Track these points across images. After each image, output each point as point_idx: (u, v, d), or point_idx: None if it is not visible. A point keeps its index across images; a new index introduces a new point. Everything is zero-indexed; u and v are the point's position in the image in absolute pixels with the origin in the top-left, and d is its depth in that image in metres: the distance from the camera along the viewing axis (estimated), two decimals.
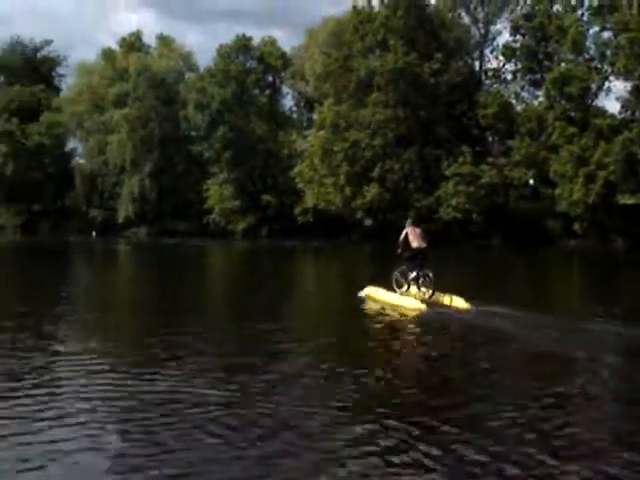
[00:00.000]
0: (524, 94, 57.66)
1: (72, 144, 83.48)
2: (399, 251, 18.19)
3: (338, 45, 59.23)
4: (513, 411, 8.07)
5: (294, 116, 73.20)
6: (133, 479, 6.16)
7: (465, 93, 57.07)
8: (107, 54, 76.49)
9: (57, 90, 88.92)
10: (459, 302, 16.43)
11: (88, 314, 16.72)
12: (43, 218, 78.78)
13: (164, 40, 76.51)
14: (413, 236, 17.88)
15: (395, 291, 18.00)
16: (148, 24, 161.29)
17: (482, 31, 60.54)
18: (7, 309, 16.91)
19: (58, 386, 9.10)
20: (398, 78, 55.29)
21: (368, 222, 55.28)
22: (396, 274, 18.42)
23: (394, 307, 16.73)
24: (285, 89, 73.17)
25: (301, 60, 67.57)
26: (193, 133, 70.62)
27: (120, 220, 70.88)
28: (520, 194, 54.50)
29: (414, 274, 17.82)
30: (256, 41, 70.78)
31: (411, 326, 14.94)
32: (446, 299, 16.87)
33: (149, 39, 78.87)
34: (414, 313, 15.96)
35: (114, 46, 78.04)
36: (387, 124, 55.37)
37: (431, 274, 17.52)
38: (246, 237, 62.64)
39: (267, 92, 72.02)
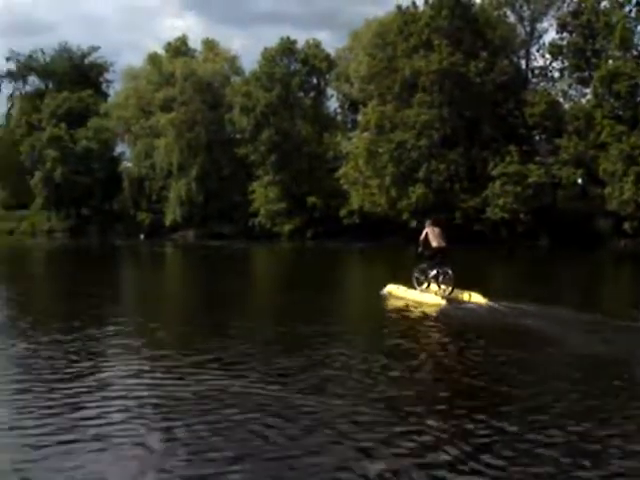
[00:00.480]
0: (571, 92, 56.83)
1: (120, 148, 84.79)
2: (419, 250, 19.18)
3: (382, 46, 59.01)
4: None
5: (339, 118, 73.19)
6: (174, 475, 6.25)
7: (511, 92, 56.52)
8: (153, 59, 77.28)
9: (105, 95, 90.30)
10: (477, 298, 17.30)
11: (136, 314, 17.00)
12: (92, 221, 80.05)
13: (209, 44, 77.14)
14: (433, 235, 18.81)
15: (415, 288, 18.97)
16: (193, 29, 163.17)
17: (528, 29, 59.85)
18: (57, 310, 17.24)
19: (106, 384, 9.30)
20: (443, 78, 54.98)
21: (414, 224, 54.92)
22: (416, 272, 19.34)
23: (416, 303, 17.71)
24: (330, 91, 73.16)
25: (345, 62, 67.53)
26: (238, 136, 70.95)
27: (167, 223, 71.61)
28: (568, 193, 53.81)
29: (434, 272, 18.64)
30: (300, 44, 71.01)
31: (435, 323, 15.63)
32: (465, 295, 17.73)
33: (194, 44, 79.67)
34: (436, 309, 16.86)
35: (160, 51, 78.91)
36: (432, 124, 55.08)
37: (450, 271, 18.32)
38: (291, 239, 62.81)
39: (312, 94, 72.10)
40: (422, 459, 6.61)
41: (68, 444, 6.91)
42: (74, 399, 8.45)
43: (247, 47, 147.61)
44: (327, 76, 71.37)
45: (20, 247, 59.71)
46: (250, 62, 75.98)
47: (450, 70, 54.38)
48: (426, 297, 18.17)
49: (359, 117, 64.18)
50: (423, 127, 55.03)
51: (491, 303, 16.70)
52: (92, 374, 9.79)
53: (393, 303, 18.22)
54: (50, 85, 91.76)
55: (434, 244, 18.73)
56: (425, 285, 19.00)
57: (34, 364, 10.49)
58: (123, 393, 8.79)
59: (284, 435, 7.32)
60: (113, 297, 21.05)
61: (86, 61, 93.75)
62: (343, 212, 60.10)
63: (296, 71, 70.17)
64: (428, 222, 19.70)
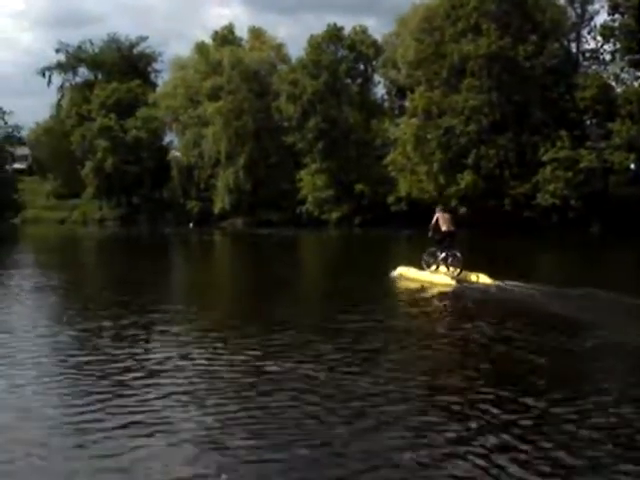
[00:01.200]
0: (624, 75, 55.58)
1: (168, 138, 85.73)
2: (430, 234, 20.41)
3: (430, 31, 58.50)
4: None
5: (386, 104, 72.91)
6: (226, 457, 6.42)
7: (562, 75, 55.61)
8: (201, 48, 77.69)
9: (153, 85, 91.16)
10: (484, 278, 18.51)
11: (185, 301, 17.27)
12: (142, 210, 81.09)
13: (256, 32, 77.30)
14: (443, 220, 20.06)
15: (424, 270, 20.20)
16: (239, 17, 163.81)
17: (579, 11, 58.71)
18: (107, 297, 17.53)
19: (157, 369, 9.46)
20: (492, 62, 54.37)
21: (462, 210, 54.52)
22: (425, 255, 20.61)
23: (428, 284, 18.97)
24: (377, 77, 72.94)
25: (392, 47, 67.03)
26: (286, 124, 71.11)
27: (216, 211, 72.17)
28: (621, 179, 52.88)
29: (444, 254, 19.79)
30: (347, 30, 70.83)
31: (454, 303, 16.72)
32: (473, 276, 18.89)
33: (241, 32, 79.90)
34: (448, 289, 18.19)
35: (207, 40, 79.31)
36: (481, 110, 54.52)
37: (459, 254, 19.55)
38: (339, 226, 62.84)
39: (359, 81, 71.92)
40: (474, 443, 6.61)
41: (126, 427, 7.07)
42: (127, 383, 8.60)
43: (293, 35, 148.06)
44: (374, 62, 71.12)
45: (71, 236, 60.72)
46: (296, 50, 76.13)
47: (499, 54, 53.75)
48: (437, 278, 19.36)
49: (406, 103, 63.74)
50: (471, 112, 54.51)
51: (497, 282, 17.89)
52: (143, 359, 9.93)
53: (407, 284, 19.38)
54: (99, 76, 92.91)
55: (444, 228, 19.89)
56: (434, 267, 20.11)
57: (84, 349, 10.67)
58: (175, 377, 8.98)
59: (335, 416, 7.49)
60: (162, 284, 21.37)
61: (135, 51, 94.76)
62: (391, 199, 59.92)
63: (343, 58, 70.06)
64: (438, 208, 20.98)
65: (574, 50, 59.41)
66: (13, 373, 9.13)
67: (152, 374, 9.21)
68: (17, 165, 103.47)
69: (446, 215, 20.43)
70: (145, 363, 9.85)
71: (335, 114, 66.29)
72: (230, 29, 79.33)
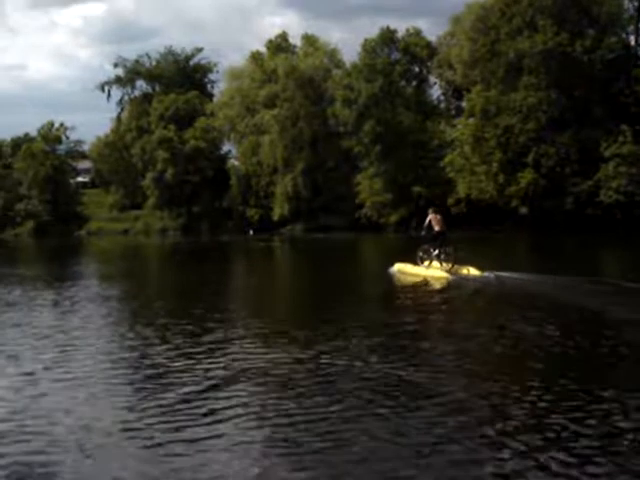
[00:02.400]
0: None
1: (226, 147, 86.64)
2: (423, 233, 23.11)
3: (484, 30, 57.96)
4: None
5: (442, 105, 72.50)
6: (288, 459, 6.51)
7: (621, 69, 54.63)
8: (255, 57, 78.39)
9: (210, 96, 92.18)
10: (474, 271, 20.81)
11: (245, 305, 17.46)
12: (202, 219, 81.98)
13: (309, 39, 77.62)
14: (435, 221, 22.61)
15: (419, 265, 22.65)
16: (291, 25, 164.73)
17: (636, 4, 57.56)
18: (170, 303, 17.79)
19: (227, 368, 9.51)
20: (549, 59, 53.65)
21: (523, 210, 53.87)
22: (420, 252, 23.07)
23: (425, 278, 21.33)
24: (432, 79, 72.65)
25: (447, 48, 66.65)
26: (342, 129, 71.24)
27: (275, 218, 72.62)
28: None
29: (437, 251, 22.33)
30: (400, 33, 70.68)
31: (458, 293, 19.05)
32: (464, 270, 21.16)
33: (294, 39, 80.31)
34: (443, 281, 20.51)
35: (262, 49, 79.95)
36: (539, 107, 53.82)
37: (450, 250, 22.18)
38: (398, 230, 62.62)
39: (414, 83, 71.71)
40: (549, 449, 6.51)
41: (202, 417, 7.23)
42: (197, 385, 8.67)
43: (345, 40, 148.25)
44: (429, 63, 70.82)
45: (134, 246, 61.81)
46: (350, 54, 76.17)
47: (556, 50, 53.00)
48: (432, 272, 21.72)
49: (463, 103, 63.41)
50: (530, 110, 53.85)
51: (485, 274, 20.27)
52: (208, 360, 10.03)
53: (407, 279, 21.76)
54: (157, 88, 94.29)
55: (436, 228, 22.47)
56: (427, 262, 22.60)
57: (149, 355, 10.81)
58: (249, 380, 9.06)
59: (395, 409, 7.69)
60: (223, 290, 21.67)
61: (191, 63, 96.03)
62: (450, 201, 59.45)
63: (397, 60, 69.97)
64: (431, 210, 23.38)
65: (632, 43, 58.25)
66: (79, 383, 9.30)
67: (225, 378, 9.31)
68: (80, 179, 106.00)
69: (438, 216, 22.97)
70: (205, 361, 9.99)
71: (391, 117, 66.12)
72: (284, 37, 79.87)
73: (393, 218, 64.82)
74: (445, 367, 9.79)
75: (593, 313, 14.66)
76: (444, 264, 22.00)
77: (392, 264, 23.48)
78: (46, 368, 10.16)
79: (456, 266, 21.54)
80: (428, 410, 7.74)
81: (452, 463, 6.27)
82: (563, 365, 10.00)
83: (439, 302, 18.06)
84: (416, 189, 63.11)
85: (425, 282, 20.85)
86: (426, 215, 23.29)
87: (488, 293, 18.69)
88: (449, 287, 19.79)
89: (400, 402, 8.07)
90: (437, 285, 20.33)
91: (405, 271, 22.72)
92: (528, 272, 20.66)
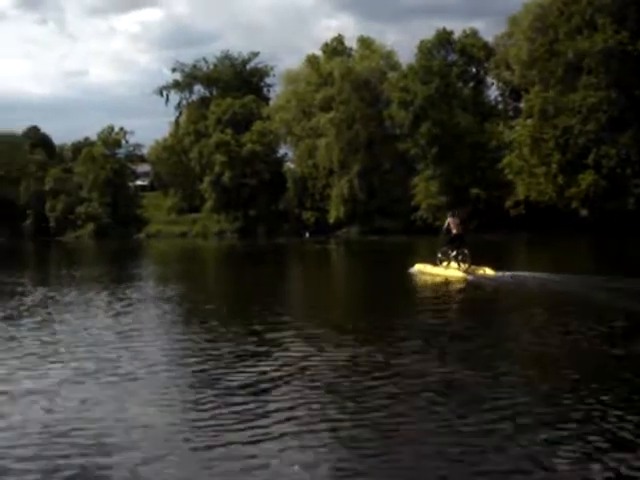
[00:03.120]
0: None
1: (283, 150, 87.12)
2: (443, 236, 24.55)
3: (543, 29, 57.26)
4: None
5: (500, 106, 71.81)
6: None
7: None
8: (311, 61, 78.65)
9: (266, 99, 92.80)
10: (489, 271, 22.05)
11: (309, 306, 17.49)
12: (259, 222, 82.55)
13: (365, 42, 77.59)
14: (453, 225, 23.81)
15: (438, 266, 23.83)
16: (347, 28, 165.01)
17: None
18: (234, 306, 17.90)
19: (282, 366, 9.48)
20: (609, 58, 52.76)
21: (584, 213, 52.99)
22: (439, 253, 24.27)
23: (445, 277, 22.56)
24: (489, 79, 72.02)
25: (504, 48, 65.98)
26: (398, 131, 71.09)
27: (331, 220, 72.74)
28: None
29: (454, 253, 23.39)
30: (457, 34, 70.25)
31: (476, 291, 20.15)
32: (480, 270, 22.31)
33: (350, 42, 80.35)
34: (461, 281, 21.68)
35: (317, 52, 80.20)
36: (599, 107, 52.99)
37: (467, 251, 23.16)
38: None
39: (471, 84, 71.19)
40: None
41: (260, 418, 7.27)
42: (258, 384, 8.68)
43: (401, 42, 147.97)
44: (486, 64, 70.21)
45: (191, 249, 62.41)
46: (405, 56, 75.95)
47: (616, 49, 52.11)
48: (450, 272, 22.87)
49: (521, 104, 62.73)
50: (589, 111, 53.01)
51: (499, 274, 21.62)
52: (263, 361, 10.00)
53: (427, 279, 22.96)
54: (214, 92, 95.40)
55: (454, 231, 23.59)
56: (446, 263, 23.69)
57: (201, 356, 10.84)
58: (298, 376, 9.09)
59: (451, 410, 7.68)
60: (278, 291, 21.73)
61: (247, 67, 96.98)
62: (508, 203, 58.82)
63: (454, 62, 69.66)
64: (449, 214, 24.98)
65: None
66: (134, 384, 9.38)
67: (283, 377, 9.33)
68: (139, 182, 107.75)
69: (456, 220, 24.11)
70: (270, 367, 10.00)
71: (447, 119, 65.73)
72: (339, 40, 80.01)
73: None
74: (495, 368, 9.67)
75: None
76: (461, 265, 23.11)
77: (413, 265, 25.04)
78: (101, 368, 10.25)
79: (472, 266, 22.68)
80: (486, 411, 7.65)
81: (510, 464, 6.20)
82: (611, 369, 9.78)
83: (475, 302, 18.49)
84: (474, 191, 62.59)
85: (446, 282, 21.95)
86: (445, 218, 25.15)
87: (508, 292, 19.53)
88: (469, 286, 20.82)
89: (457, 403, 8.00)
90: (458, 285, 21.39)
91: (425, 271, 24.03)
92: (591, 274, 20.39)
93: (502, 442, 6.72)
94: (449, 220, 24.20)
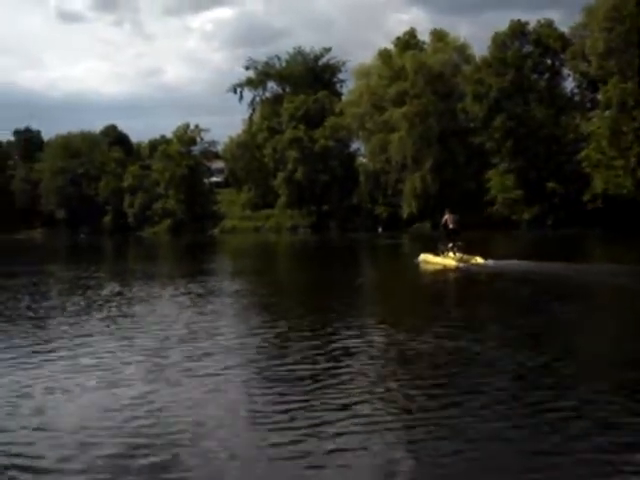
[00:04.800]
0: None
1: (355, 145, 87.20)
2: (441, 230, 28.35)
3: (620, 19, 55.87)
4: None
5: (576, 98, 70.26)
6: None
7: None
8: (383, 55, 78.42)
9: (338, 95, 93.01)
10: (479, 259, 24.95)
11: (380, 299, 17.61)
12: (332, 217, 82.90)
13: (438, 35, 76.99)
14: (450, 220, 27.14)
15: (438, 256, 26.78)
16: (419, 21, 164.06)
17: None
18: (307, 300, 18.10)
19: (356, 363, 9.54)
20: None
21: None
22: (439, 245, 27.22)
23: (443, 265, 25.55)
24: (565, 71, 70.49)
25: (581, 39, 64.56)
26: (472, 125, 70.44)
27: (404, 215, 72.54)
28: None
29: (451, 244, 26.52)
30: (531, 25, 69.08)
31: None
32: (472, 259, 25.11)
33: (422, 36, 79.84)
34: (454, 268, 24.65)
35: (389, 47, 79.90)
36: None
37: (460, 243, 26.28)
38: (531, 227, 61.23)
39: (546, 76, 69.87)
40: None
41: (337, 411, 7.34)
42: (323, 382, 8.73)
43: (474, 34, 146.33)
44: (562, 56, 68.78)
45: (265, 244, 62.98)
46: (479, 49, 75.06)
47: None
48: (447, 261, 25.82)
49: (599, 96, 61.28)
50: None
51: (489, 261, 24.75)
52: (336, 353, 10.04)
53: (429, 267, 26.12)
54: (287, 89, 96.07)
55: (450, 226, 27.00)
56: (444, 253, 26.61)
57: (272, 350, 10.92)
58: (374, 370, 9.05)
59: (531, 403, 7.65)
60: (349, 285, 21.83)
61: (320, 63, 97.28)
62: (586, 196, 57.68)
63: (529, 53, 68.46)
64: (447, 211, 27.94)
65: None
66: (211, 380, 9.55)
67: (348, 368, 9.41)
68: (214, 178, 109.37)
69: (452, 216, 27.33)
70: (342, 359, 10.06)
71: (523, 111, 64.85)
72: (412, 34, 79.53)
73: (526, 215, 63.49)
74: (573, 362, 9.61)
75: None
76: (457, 254, 26.00)
77: (419, 254, 28.34)
78: (175, 362, 10.47)
79: (466, 256, 25.59)
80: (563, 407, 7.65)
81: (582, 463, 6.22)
82: None
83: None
84: (550, 185, 61.61)
85: (443, 269, 25.05)
86: (444, 214, 28.12)
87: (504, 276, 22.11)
88: (460, 272, 24.03)
89: (534, 395, 7.99)
90: (451, 272, 24.48)
91: (428, 260, 27.19)
92: None
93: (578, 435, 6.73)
94: (446, 217, 27.55)
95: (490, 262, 24.68)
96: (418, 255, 28.30)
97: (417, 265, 27.07)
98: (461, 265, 24.90)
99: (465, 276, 23.26)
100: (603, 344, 11.42)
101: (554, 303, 15.72)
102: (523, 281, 20.46)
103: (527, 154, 63.72)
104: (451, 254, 26.27)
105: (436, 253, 27.12)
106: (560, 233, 51.13)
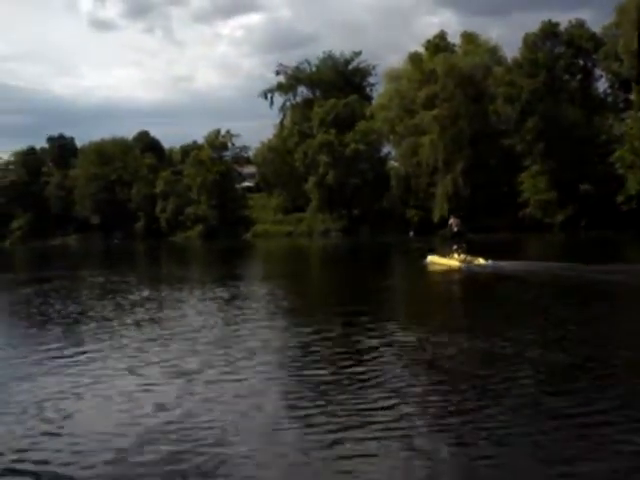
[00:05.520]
0: None
1: (386, 149, 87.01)
2: (447, 233, 31.26)
3: None
4: None
5: (609, 99, 69.58)
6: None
7: None
8: (413, 58, 78.17)
9: (369, 98, 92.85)
10: (482, 260, 26.41)
11: (410, 303, 17.57)
12: (363, 221, 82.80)
13: (468, 37, 76.62)
14: (455, 224, 29.26)
15: (444, 257, 28.56)
16: (449, 24, 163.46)
17: None
18: (337, 303, 18.11)
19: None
20: None
21: None
22: (446, 247, 29.66)
23: (447, 266, 27.19)
24: (597, 71, 69.87)
25: (613, 39, 63.96)
26: (503, 127, 69.97)
27: (435, 219, 72.16)
28: None
29: (455, 246, 28.31)
30: (563, 25, 68.52)
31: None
32: (475, 260, 26.64)
33: (452, 38, 79.50)
34: (457, 269, 26.38)
35: (420, 50, 79.67)
36: None
37: (464, 245, 28.13)
38: (564, 229, 60.65)
39: (578, 76, 69.28)
40: None
41: (376, 412, 7.37)
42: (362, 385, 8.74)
43: (504, 36, 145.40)
44: (594, 56, 68.16)
45: (296, 248, 63.17)
46: (509, 51, 74.59)
47: None
48: (452, 262, 27.48)
49: (632, 96, 60.59)
50: None
51: (490, 262, 26.11)
52: (370, 355, 10.03)
53: (436, 267, 27.82)
54: (317, 93, 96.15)
55: (455, 229, 29.09)
56: (450, 254, 28.33)
57: (302, 351, 10.95)
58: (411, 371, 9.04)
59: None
60: (378, 289, 21.82)
61: (350, 67, 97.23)
62: (620, 198, 57.03)
63: (560, 54, 67.91)
64: (452, 215, 31.34)
65: None
66: (243, 383, 9.61)
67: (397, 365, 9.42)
68: (246, 183, 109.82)
69: (456, 220, 29.57)
70: (375, 362, 10.07)
71: (555, 113, 64.26)
72: (442, 36, 79.19)
73: (559, 217, 62.91)
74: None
75: None
76: (461, 256, 27.72)
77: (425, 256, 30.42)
78: (205, 366, 10.53)
79: (469, 257, 27.31)
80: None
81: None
82: None
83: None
84: (583, 187, 61.01)
85: (448, 269, 26.70)
86: (449, 218, 31.38)
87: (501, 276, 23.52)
88: (463, 273, 25.64)
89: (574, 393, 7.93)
90: (456, 272, 26.05)
91: (435, 261, 28.97)
92: None
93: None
94: (451, 221, 30.00)
95: (490, 263, 26.28)
96: (426, 257, 30.14)
97: (425, 266, 28.85)
98: (464, 266, 26.63)
99: (469, 276, 24.76)
100: (634, 345, 11.27)
101: (559, 303, 16.57)
102: (523, 281, 21.65)
103: (559, 156, 63.13)
104: (456, 255, 28.10)
105: (443, 255, 29.18)
106: (591, 235, 50.56)
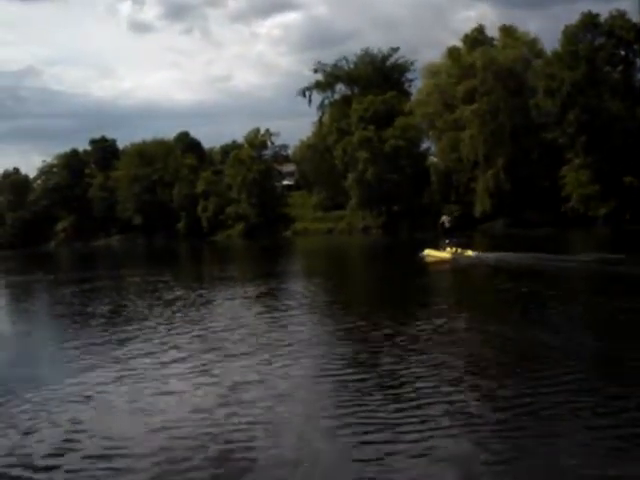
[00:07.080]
0: None
1: (425, 144, 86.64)
2: (439, 229, 34.08)
3: None
4: None
5: None
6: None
7: None
8: (452, 53, 77.78)
9: (407, 94, 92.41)
10: (470, 252, 30.20)
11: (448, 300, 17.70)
12: (402, 217, 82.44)
13: (507, 30, 75.97)
14: (446, 221, 33.60)
15: (438, 250, 31.72)
16: (486, 17, 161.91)
17: None
18: (376, 301, 18.25)
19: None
20: None
21: None
22: (440, 241, 32.51)
23: (440, 258, 30.43)
24: (639, 62, 68.75)
25: None
26: (544, 120, 69.22)
27: (477, 214, 71.73)
28: None
29: (447, 241, 31.71)
30: (603, 16, 67.56)
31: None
32: (465, 253, 30.17)
33: (490, 32, 78.87)
34: (449, 260, 29.74)
35: (458, 44, 79.22)
36: None
37: (455, 240, 31.74)
38: (608, 223, 59.88)
39: (620, 68, 68.20)
40: None
41: (413, 409, 7.46)
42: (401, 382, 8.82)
43: (544, 28, 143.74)
44: (635, 47, 67.11)
45: (336, 245, 63.45)
46: (549, 43, 73.76)
47: None
48: (444, 254, 30.70)
49: None
50: None
51: (476, 253, 30.12)
52: (407, 354, 10.10)
53: (431, 260, 30.94)
54: (356, 90, 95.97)
55: (446, 225, 33.38)
56: (443, 248, 31.56)
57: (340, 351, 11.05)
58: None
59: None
60: (412, 287, 22.07)
61: (387, 63, 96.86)
62: None
63: (601, 45, 66.91)
64: (445, 213, 34.60)
65: None
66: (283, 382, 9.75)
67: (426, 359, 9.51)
68: (286, 181, 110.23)
69: (448, 217, 34.79)
70: (401, 360, 10.17)
71: (596, 105, 63.44)
72: (480, 30, 78.60)
73: (602, 211, 62.11)
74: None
75: None
76: (453, 249, 30.88)
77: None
78: (245, 364, 10.82)
79: (460, 250, 30.61)
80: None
81: None
82: None
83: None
84: (627, 179, 60.19)
85: (440, 261, 29.92)
86: (441, 215, 36.12)
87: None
88: (452, 263, 29.08)
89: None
90: (447, 263, 29.40)
91: (430, 254, 31.80)
92: None
93: None
94: (444, 218, 34.32)
95: (475, 254, 29.80)
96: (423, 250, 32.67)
97: (422, 258, 31.49)
98: (454, 257, 30.00)
99: (458, 267, 28.13)
100: None
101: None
102: (519, 274, 23.29)
103: (602, 148, 62.33)
104: (448, 249, 31.31)
105: (437, 248, 32.18)
106: (635, 228, 49.80)
